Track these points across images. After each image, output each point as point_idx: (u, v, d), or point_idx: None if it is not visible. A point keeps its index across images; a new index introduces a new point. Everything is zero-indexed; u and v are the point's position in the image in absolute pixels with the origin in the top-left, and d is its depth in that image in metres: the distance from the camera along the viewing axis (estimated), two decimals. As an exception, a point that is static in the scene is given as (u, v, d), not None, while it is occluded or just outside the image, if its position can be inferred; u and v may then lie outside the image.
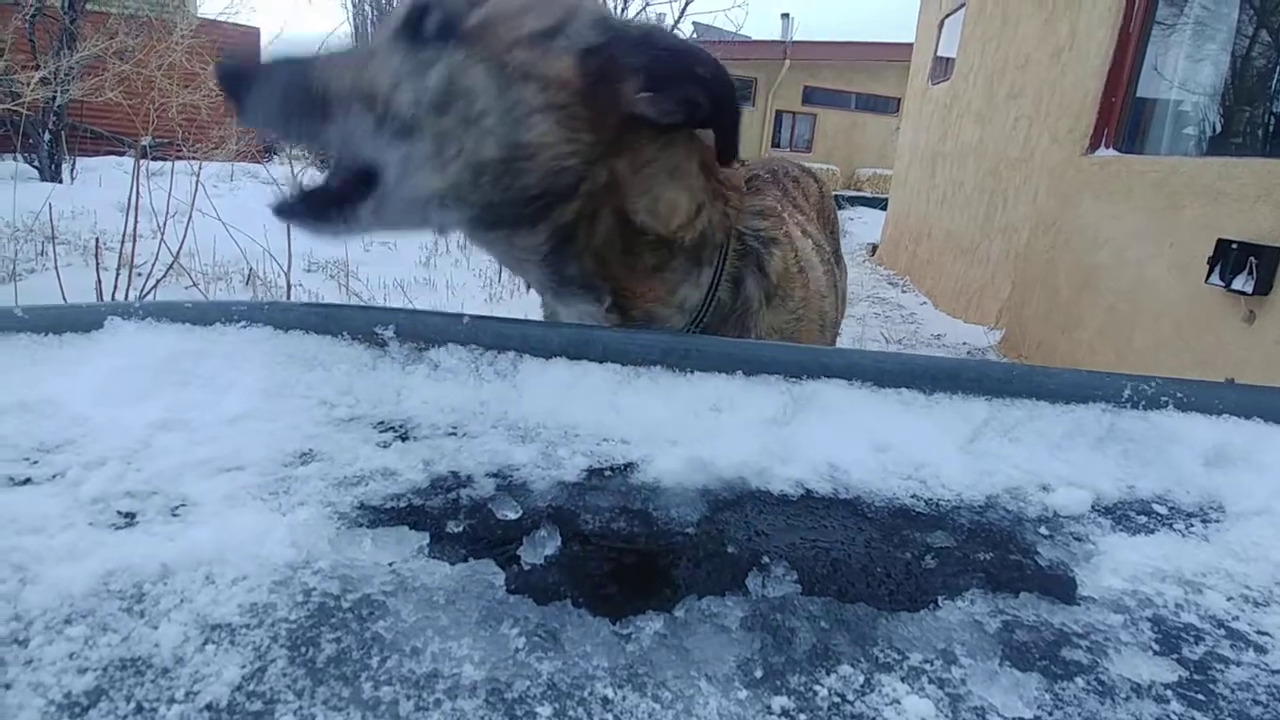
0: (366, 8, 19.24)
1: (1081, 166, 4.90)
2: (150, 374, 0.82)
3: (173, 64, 5.07)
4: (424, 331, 0.90)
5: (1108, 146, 4.78)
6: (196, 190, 3.59)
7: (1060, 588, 0.59)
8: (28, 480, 0.65)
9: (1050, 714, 0.44)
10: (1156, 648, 0.51)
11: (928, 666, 0.47)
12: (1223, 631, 0.53)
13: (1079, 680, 0.47)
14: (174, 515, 0.60)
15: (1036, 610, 0.55)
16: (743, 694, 0.44)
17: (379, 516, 0.63)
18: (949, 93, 7.99)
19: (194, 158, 5.08)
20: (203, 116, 6.20)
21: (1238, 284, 3.33)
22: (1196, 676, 0.49)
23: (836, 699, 0.44)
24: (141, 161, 3.74)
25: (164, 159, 6.27)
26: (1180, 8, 4.44)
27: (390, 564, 0.54)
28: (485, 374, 0.88)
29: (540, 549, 0.60)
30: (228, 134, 6.03)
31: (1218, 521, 0.72)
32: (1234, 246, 3.41)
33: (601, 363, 0.88)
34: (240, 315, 0.90)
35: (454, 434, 0.79)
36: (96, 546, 0.54)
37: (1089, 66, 4.86)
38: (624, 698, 0.43)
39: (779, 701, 0.44)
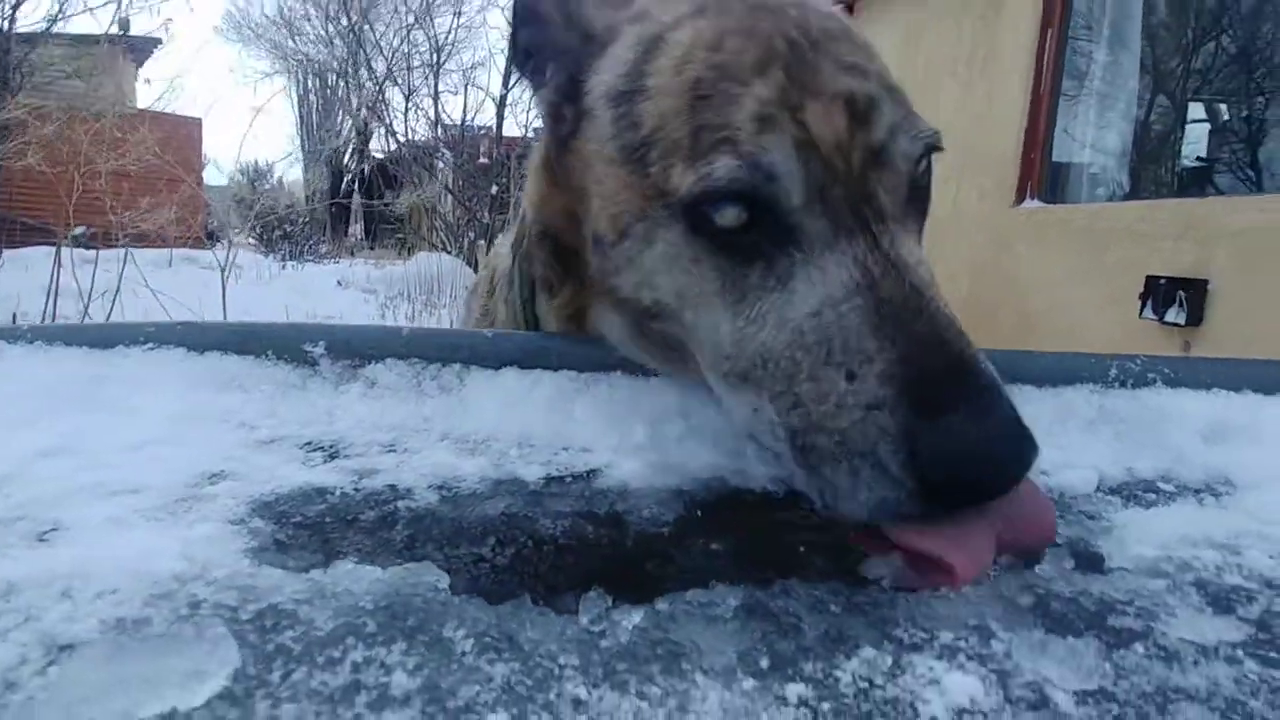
0: (312, 98, 19.52)
1: (1011, 217, 5.12)
2: (38, 399, 0.71)
3: (100, 130, 4.91)
4: (359, 347, 0.82)
5: (1033, 198, 5.01)
6: (125, 264, 3.43)
7: (1087, 560, 0.52)
8: None
9: (1115, 685, 0.37)
10: (1211, 609, 0.44)
11: (963, 643, 0.40)
12: (1275, 590, 0.47)
13: (1138, 647, 0.40)
14: (40, 540, 0.49)
15: (1069, 581, 0.48)
16: (749, 685, 0.36)
17: (297, 531, 0.53)
18: (880, 159, 8.38)
19: (127, 244, 4.90)
20: (132, 182, 5.95)
21: (1170, 316, 3.46)
22: (1262, 635, 0.42)
23: (863, 683, 0.36)
24: (75, 250, 3.58)
25: (95, 247, 6.07)
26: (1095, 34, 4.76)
27: (306, 570, 0.44)
28: (428, 389, 0.79)
29: (494, 551, 0.51)
30: (160, 202, 5.82)
31: (1229, 495, 0.67)
32: (1162, 282, 3.55)
33: (556, 370, 0.81)
34: (148, 337, 0.80)
35: (392, 450, 0.70)
36: (-70, 575, 0.43)
37: (1009, 126, 5.15)
38: (600, 698, 0.34)
39: (794, 690, 0.35)
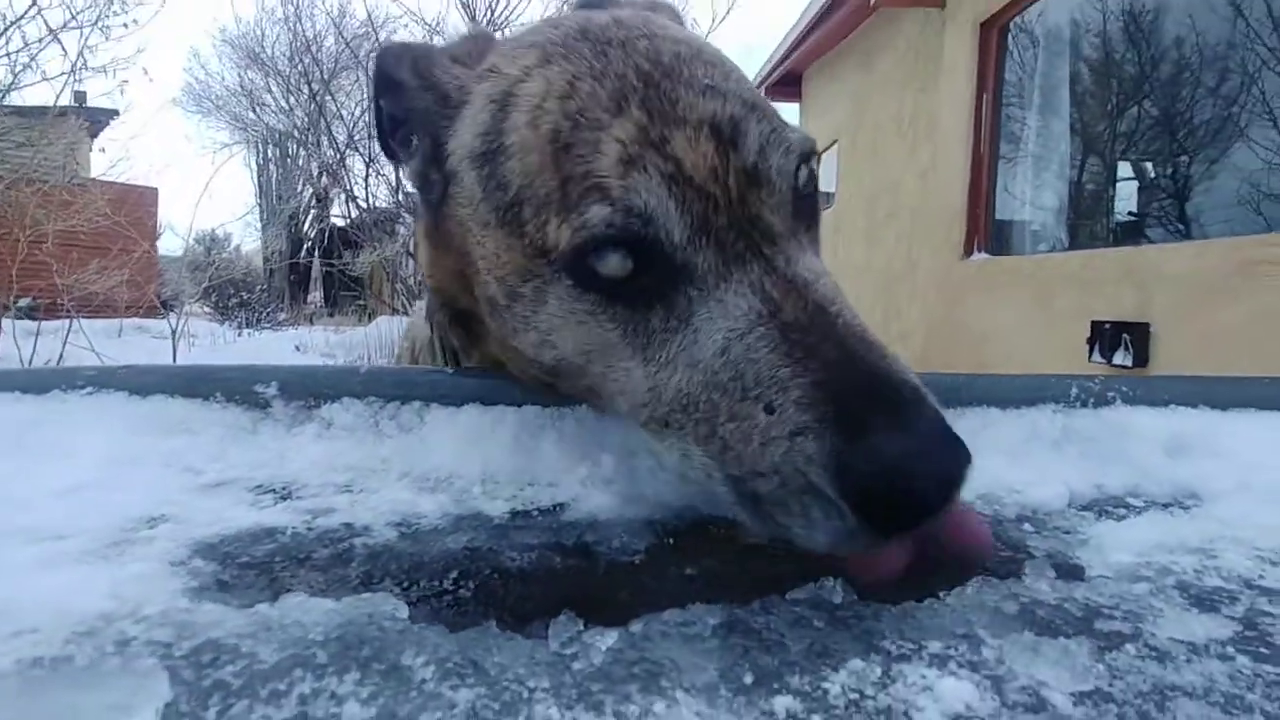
0: (272, 167, 19.56)
1: (960, 270, 5.30)
2: (-42, 448, 0.66)
3: (48, 194, 4.75)
4: (314, 387, 0.78)
5: (980, 250, 5.21)
6: (69, 330, 3.32)
7: (1068, 570, 0.51)
8: None
9: (1111, 685, 0.35)
10: (1196, 609, 0.43)
11: (953, 651, 0.38)
12: (1255, 590, 0.47)
13: (1129, 648, 0.39)
14: (-48, 588, 0.45)
15: (1053, 588, 0.47)
16: (733, 700, 0.33)
17: (242, 571, 0.49)
18: (835, 217, 8.66)
19: (73, 309, 4.73)
20: (81, 250, 5.73)
21: (1118, 359, 3.57)
22: (1249, 632, 0.41)
23: (854, 694, 0.34)
24: (17, 322, 3.45)
25: (39, 318, 5.87)
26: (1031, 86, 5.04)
27: (251, 607, 0.41)
28: (386, 428, 0.76)
29: (456, 584, 0.48)
30: (109, 265, 5.63)
31: (1197, 506, 0.67)
32: (1107, 326, 3.68)
33: (519, 406, 0.79)
34: (87, 381, 0.76)
35: (349, 491, 0.66)
36: None
37: (953, 184, 5.38)
38: (574, 718, 0.31)
39: (782, 702, 0.33)
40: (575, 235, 0.56)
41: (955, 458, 0.45)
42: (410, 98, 0.73)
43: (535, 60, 0.64)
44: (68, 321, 4.14)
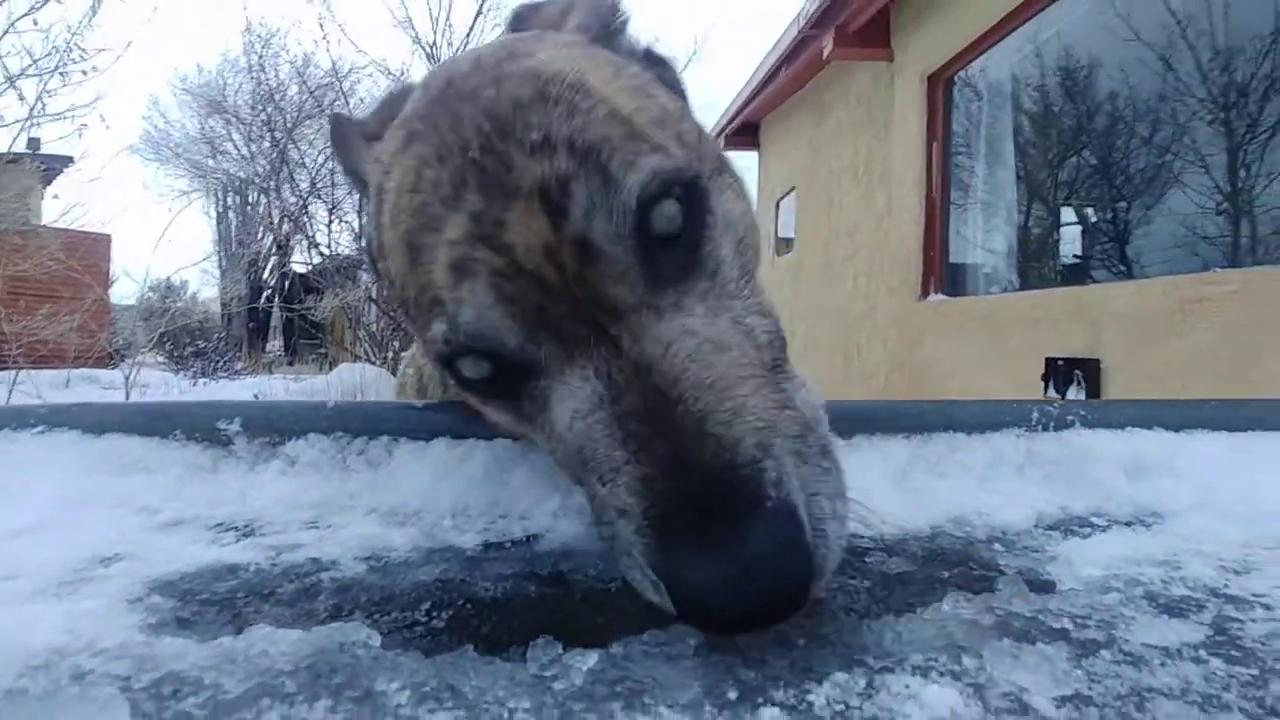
0: (231, 215, 19.35)
1: (918, 311, 5.44)
2: (-104, 491, 0.63)
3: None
4: (279, 423, 0.77)
5: (937, 292, 5.36)
6: (15, 381, 3.20)
7: (1040, 585, 0.52)
8: None
9: (1090, 689, 0.36)
10: (1166, 615, 0.44)
11: (934, 662, 0.38)
12: (1221, 598, 0.48)
13: (1104, 654, 0.39)
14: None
15: (1028, 601, 0.47)
16: (718, 715, 0.33)
17: (203, 607, 0.47)
18: (795, 261, 8.86)
19: (21, 354, 4.56)
20: (29, 297, 5.53)
21: (1071, 394, 3.68)
22: (1219, 637, 0.42)
23: (839, 705, 0.34)
24: None
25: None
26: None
27: (215, 639, 0.39)
28: (354, 464, 0.74)
29: (429, 615, 0.46)
30: (60, 310, 5.43)
31: (1159, 523, 0.69)
32: (1060, 363, 3.79)
33: (490, 440, 0.78)
34: (39, 420, 0.73)
35: (314, 527, 0.65)
36: None
37: (908, 228, 5.56)
38: (558, 737, 0.30)
39: (768, 714, 0.33)
40: (430, 346, 0.58)
41: (784, 575, 0.40)
42: (349, 184, 0.77)
43: (399, 144, 0.61)
44: (13, 372, 3.98)
